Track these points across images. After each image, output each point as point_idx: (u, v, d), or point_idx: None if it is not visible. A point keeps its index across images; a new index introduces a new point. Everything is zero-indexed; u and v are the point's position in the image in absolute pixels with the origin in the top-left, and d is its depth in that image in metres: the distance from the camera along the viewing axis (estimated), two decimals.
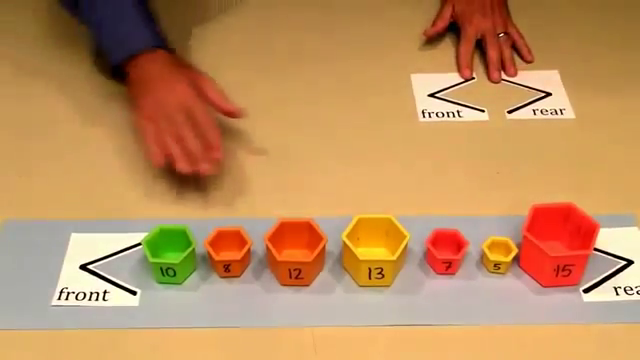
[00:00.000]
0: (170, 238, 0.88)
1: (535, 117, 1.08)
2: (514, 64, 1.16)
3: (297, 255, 0.88)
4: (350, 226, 0.87)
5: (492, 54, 1.15)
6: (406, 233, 0.86)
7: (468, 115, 1.09)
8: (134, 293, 0.87)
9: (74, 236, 0.93)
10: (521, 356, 0.82)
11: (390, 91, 1.12)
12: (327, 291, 0.87)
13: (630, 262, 0.90)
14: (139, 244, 0.90)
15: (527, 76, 1.15)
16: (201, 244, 0.88)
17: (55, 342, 0.83)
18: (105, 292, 0.87)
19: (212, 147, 0.93)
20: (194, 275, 0.89)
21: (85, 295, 0.87)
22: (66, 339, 0.83)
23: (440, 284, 0.88)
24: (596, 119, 1.08)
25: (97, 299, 0.86)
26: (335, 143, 1.01)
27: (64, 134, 1.06)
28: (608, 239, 0.91)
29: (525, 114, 1.09)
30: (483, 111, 1.09)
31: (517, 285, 0.88)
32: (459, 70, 1.16)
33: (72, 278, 0.88)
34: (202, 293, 0.87)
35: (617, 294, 0.87)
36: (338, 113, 1.09)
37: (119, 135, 1.05)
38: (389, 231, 0.88)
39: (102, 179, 1.00)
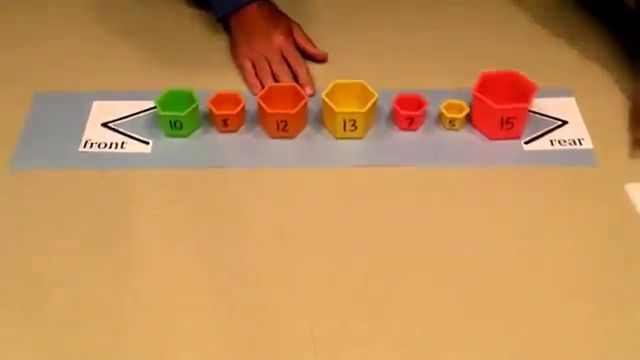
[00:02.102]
0: (178, 100, 1.04)
1: None
2: None
3: None
4: (328, 88, 1.04)
5: None
6: (375, 93, 1.03)
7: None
8: (147, 143, 1.04)
9: (96, 103, 1.09)
10: (471, 192, 0.98)
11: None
12: (310, 141, 1.04)
13: (565, 122, 1.06)
14: (152, 108, 1.07)
15: None
16: (204, 106, 1.05)
17: (82, 178, 1.00)
18: (123, 143, 1.04)
19: (304, 84, 1.09)
20: (197, 131, 1.05)
21: (106, 145, 1.03)
22: (91, 176, 1.00)
23: (404, 137, 1.05)
24: None
25: (116, 147, 1.03)
26: None
27: (86, 16, 1.23)
28: (549, 106, 1.08)
29: None
30: None
31: (469, 137, 1.04)
32: None
33: (95, 133, 1.05)
34: (204, 142, 1.04)
35: (552, 145, 1.03)
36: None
37: (137, 16, 1.22)
38: (361, 94, 1.04)
39: (120, 55, 1.17)
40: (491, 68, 1.07)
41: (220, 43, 1.19)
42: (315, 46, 1.15)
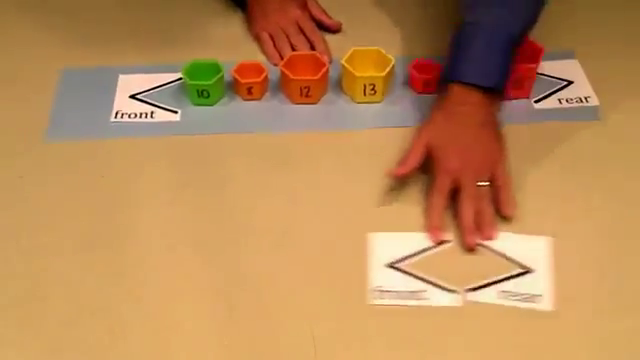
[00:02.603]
0: (204, 70, 1.08)
1: None
2: (494, 225, 0.93)
3: None
4: (347, 55, 1.09)
5: (465, 214, 0.92)
6: (392, 58, 1.08)
7: (434, 297, 0.88)
8: (175, 112, 1.08)
9: (121, 77, 1.13)
10: None
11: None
12: (331, 106, 1.09)
13: (570, 82, 1.12)
14: (176, 80, 1.11)
15: None
16: (229, 76, 1.09)
17: (114, 147, 1.04)
18: (152, 112, 1.08)
19: (322, 53, 1.12)
20: (223, 99, 1.10)
21: (136, 115, 1.08)
22: (122, 145, 1.04)
23: (421, 99, 1.10)
24: None
25: (146, 117, 1.07)
26: None
27: None
28: (554, 68, 1.13)
29: None
30: (454, 292, 0.88)
31: None
32: (428, 230, 0.93)
33: (124, 104, 1.09)
34: (230, 109, 1.09)
35: (560, 103, 1.09)
36: None
37: None
38: (378, 60, 1.10)
39: (140, 31, 1.21)
40: None
41: (236, 18, 1.23)
42: (330, 17, 1.20)
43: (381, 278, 0.89)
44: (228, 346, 0.83)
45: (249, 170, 1.01)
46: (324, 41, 1.16)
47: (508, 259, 0.91)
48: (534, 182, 0.99)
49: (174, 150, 1.03)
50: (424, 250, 0.92)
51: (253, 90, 1.09)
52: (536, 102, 1.09)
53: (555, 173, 1.00)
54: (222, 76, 1.08)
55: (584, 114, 1.08)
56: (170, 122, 1.07)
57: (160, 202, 0.97)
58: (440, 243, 0.92)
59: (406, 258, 0.91)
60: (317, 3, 1.21)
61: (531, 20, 1.00)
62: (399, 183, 0.98)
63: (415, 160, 0.95)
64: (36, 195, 0.98)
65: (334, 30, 1.20)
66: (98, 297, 0.88)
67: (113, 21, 1.23)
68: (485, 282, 0.89)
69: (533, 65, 1.07)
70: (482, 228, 0.92)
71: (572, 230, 0.94)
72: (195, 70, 1.09)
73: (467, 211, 0.92)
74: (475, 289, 0.88)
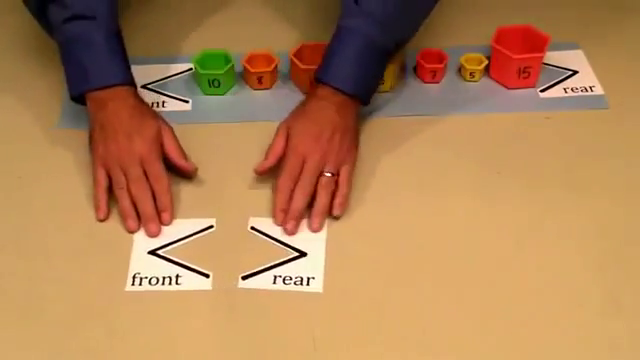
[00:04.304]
0: (214, 60, 1.10)
1: None
2: (322, 217, 0.94)
3: None
4: None
5: (296, 199, 0.93)
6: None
7: (187, 282, 0.89)
8: (187, 102, 1.10)
9: (133, 68, 1.13)
10: (493, 136, 1.05)
11: None
12: None
13: (575, 72, 1.14)
14: (186, 70, 1.13)
15: None
16: (239, 66, 1.11)
17: None
18: (163, 102, 1.10)
19: (162, 210, 0.94)
20: (233, 89, 1.11)
21: (150, 104, 1.08)
22: None
23: (428, 89, 1.12)
24: None
25: (158, 106, 1.09)
26: None
27: None
28: (559, 58, 1.15)
29: None
30: (208, 276, 0.89)
31: (489, 87, 1.12)
32: (275, 212, 0.94)
33: None
34: (240, 98, 1.11)
35: (566, 92, 1.11)
36: None
37: None
38: None
39: (146, 24, 1.22)
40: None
41: (246, 8, 1.25)
42: (186, 157, 0.99)
43: (139, 265, 0.90)
44: (228, 346, 0.83)
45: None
46: (169, 192, 0.95)
47: (283, 244, 0.92)
48: (540, 170, 1.01)
49: (185, 138, 1.03)
50: (192, 235, 0.93)
51: (263, 80, 1.10)
52: (542, 91, 1.11)
53: (563, 160, 1.02)
54: (233, 66, 1.10)
55: (589, 103, 1.09)
56: (181, 111, 1.08)
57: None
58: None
59: (171, 244, 0.92)
60: (174, 136, 0.99)
61: (408, 34, 1.03)
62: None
63: (277, 149, 0.96)
64: (36, 195, 0.98)
65: (188, 175, 0.99)
66: (98, 298, 0.88)
67: (124, 12, 1.24)
68: (260, 268, 0.89)
69: (539, 55, 1.09)
70: (310, 216, 0.93)
71: (576, 217, 0.95)
72: (206, 60, 1.10)
73: (299, 196, 0.93)
74: (249, 276, 0.89)
